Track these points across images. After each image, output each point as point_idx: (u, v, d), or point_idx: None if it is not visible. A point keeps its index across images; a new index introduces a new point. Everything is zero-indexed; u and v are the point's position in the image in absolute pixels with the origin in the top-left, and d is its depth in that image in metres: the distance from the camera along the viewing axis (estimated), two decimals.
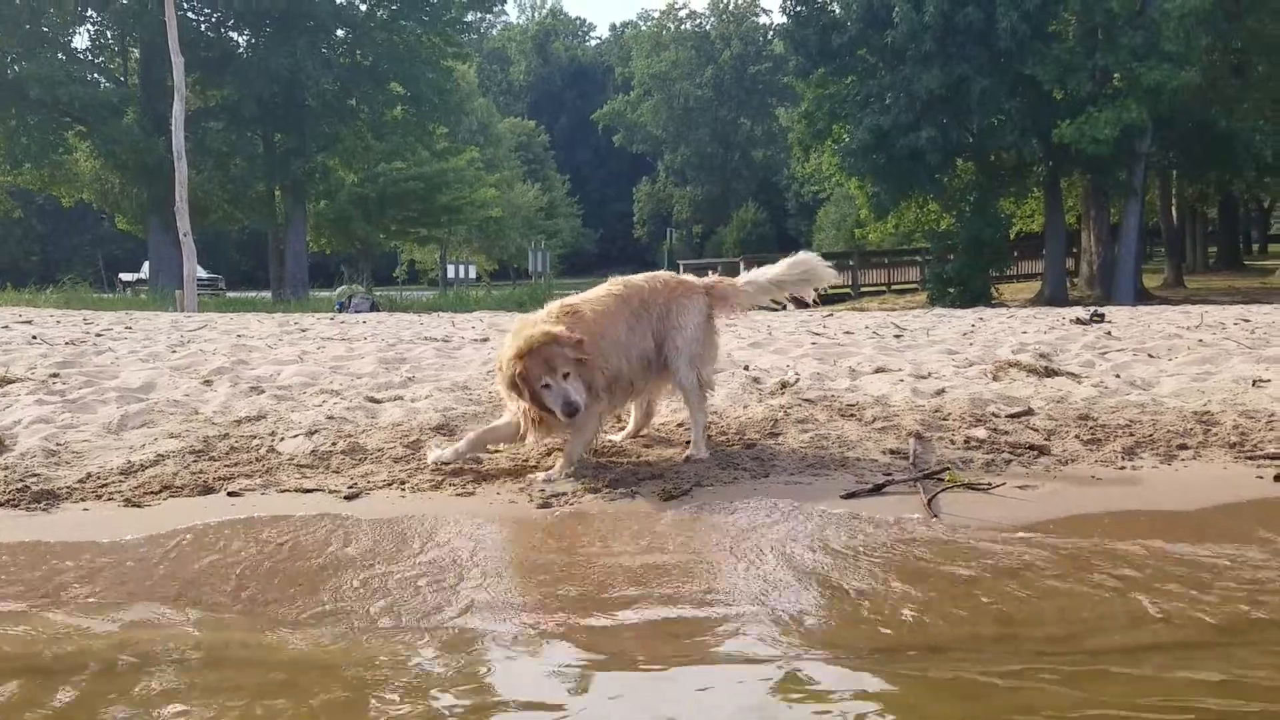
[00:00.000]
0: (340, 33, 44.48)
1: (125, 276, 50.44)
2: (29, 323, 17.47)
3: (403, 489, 5.35)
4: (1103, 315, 16.97)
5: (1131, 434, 6.34)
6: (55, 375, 8.95)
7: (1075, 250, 40.45)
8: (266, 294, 41.00)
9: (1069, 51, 31.49)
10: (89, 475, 5.57)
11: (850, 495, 5.22)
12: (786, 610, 3.63)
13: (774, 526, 4.67)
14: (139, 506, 5.10)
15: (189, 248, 28.49)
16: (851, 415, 6.93)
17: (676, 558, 4.26)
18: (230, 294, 43.81)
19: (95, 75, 43.33)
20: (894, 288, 40.91)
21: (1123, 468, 5.70)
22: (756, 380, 8.49)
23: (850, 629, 3.50)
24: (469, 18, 50.53)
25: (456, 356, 10.95)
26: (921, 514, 4.84)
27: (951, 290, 33.87)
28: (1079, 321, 16.07)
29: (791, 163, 59.49)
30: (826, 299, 37.51)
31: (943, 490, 5.20)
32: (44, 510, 5.05)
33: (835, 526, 4.66)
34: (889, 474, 5.50)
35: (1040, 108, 32.73)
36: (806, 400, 7.41)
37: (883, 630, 3.46)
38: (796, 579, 3.96)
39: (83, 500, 5.20)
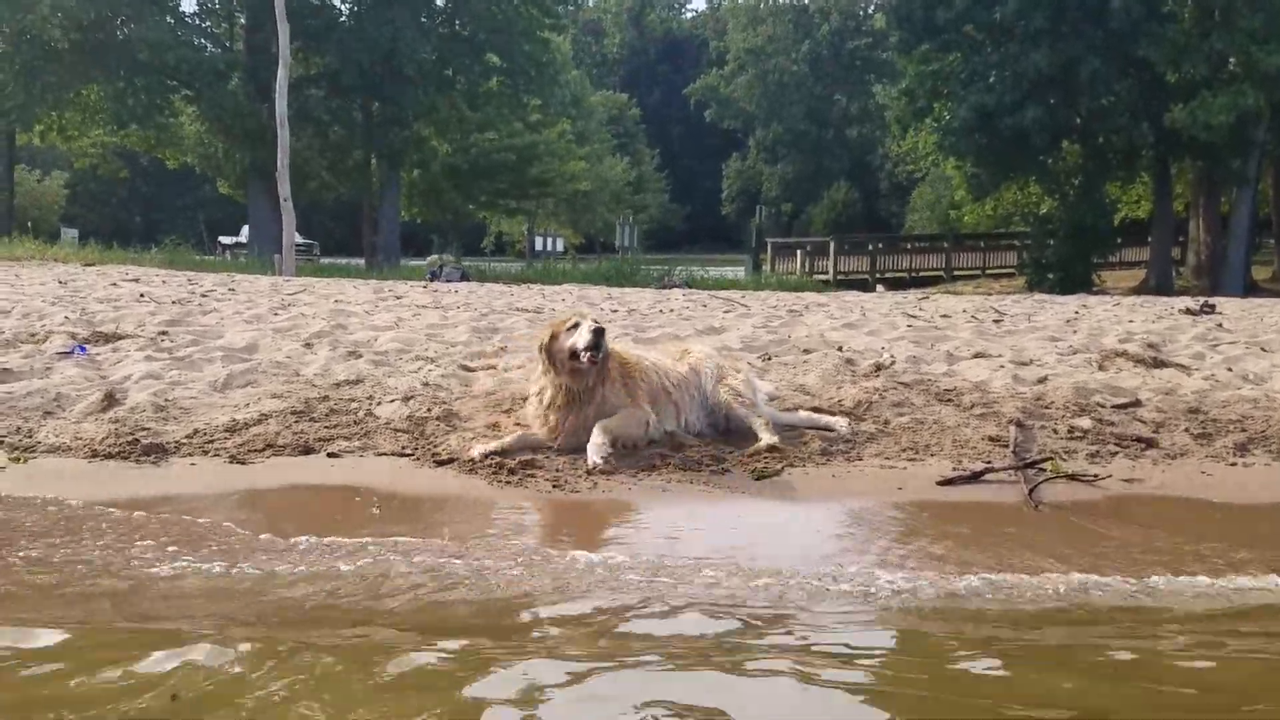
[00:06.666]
0: (439, 3, 44.90)
1: (225, 240, 51.56)
2: (136, 280, 18.00)
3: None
4: (1213, 306, 16.35)
5: (1244, 429, 6.10)
6: (164, 333, 9.23)
7: (1182, 239, 39.00)
8: (359, 261, 41.62)
9: (1184, 33, 30.15)
10: (196, 431, 5.72)
11: (947, 482, 5.12)
12: None
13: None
14: (243, 463, 5.23)
15: (289, 213, 28.99)
16: (949, 400, 6.79)
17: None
18: (323, 260, 44.54)
19: (202, 40, 44.34)
20: (989, 271, 39.84)
21: (1234, 464, 5.50)
22: (850, 361, 8.37)
23: None
24: None
25: None
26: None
27: (1051, 275, 33.01)
28: (1188, 312, 15.47)
29: (887, 141, 58.30)
30: (919, 282, 37.23)
31: (1044, 480, 5.06)
32: (153, 464, 5.20)
33: None
34: (988, 461, 5.37)
35: (1152, 90, 31.53)
36: (902, 383, 7.27)
37: None
38: None
39: (190, 455, 5.35)
